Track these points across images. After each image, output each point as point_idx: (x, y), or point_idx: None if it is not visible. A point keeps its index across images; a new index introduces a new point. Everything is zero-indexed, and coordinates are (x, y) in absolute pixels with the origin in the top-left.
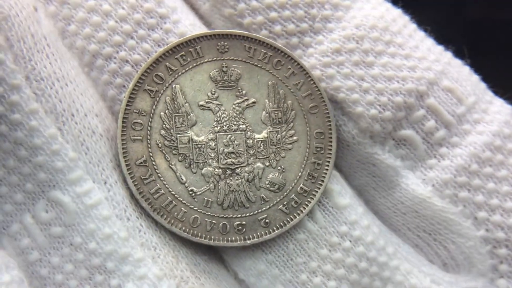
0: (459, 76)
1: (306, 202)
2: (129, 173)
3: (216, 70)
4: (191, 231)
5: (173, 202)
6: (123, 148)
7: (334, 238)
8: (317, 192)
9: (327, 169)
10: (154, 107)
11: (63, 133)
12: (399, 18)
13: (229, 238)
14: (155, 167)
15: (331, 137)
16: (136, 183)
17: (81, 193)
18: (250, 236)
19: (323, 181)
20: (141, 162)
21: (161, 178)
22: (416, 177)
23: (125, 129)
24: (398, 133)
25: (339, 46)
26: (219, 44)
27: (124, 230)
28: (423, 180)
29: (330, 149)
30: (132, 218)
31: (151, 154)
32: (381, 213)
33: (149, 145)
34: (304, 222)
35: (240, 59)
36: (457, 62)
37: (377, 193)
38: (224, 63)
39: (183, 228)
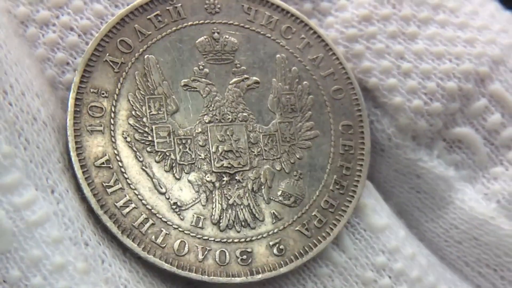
0: None
1: (334, 222)
2: (85, 178)
3: (205, 37)
4: (176, 261)
5: (150, 220)
6: (76, 143)
7: (368, 273)
8: (348, 207)
9: (359, 175)
10: (119, 85)
11: None
12: None
13: (230, 272)
14: (122, 170)
15: (362, 131)
16: (96, 192)
17: (20, 205)
18: (260, 268)
19: (355, 191)
20: (103, 163)
21: (132, 186)
22: (475, 192)
23: (78, 115)
24: (451, 132)
25: (369, 12)
26: (207, 1)
27: (82, 260)
28: (485, 195)
29: (363, 148)
30: (91, 243)
31: (116, 151)
32: (429, 241)
33: (113, 138)
34: (327, 251)
35: (236, 23)
36: None
37: (422, 214)
38: (214, 28)
39: (164, 257)
